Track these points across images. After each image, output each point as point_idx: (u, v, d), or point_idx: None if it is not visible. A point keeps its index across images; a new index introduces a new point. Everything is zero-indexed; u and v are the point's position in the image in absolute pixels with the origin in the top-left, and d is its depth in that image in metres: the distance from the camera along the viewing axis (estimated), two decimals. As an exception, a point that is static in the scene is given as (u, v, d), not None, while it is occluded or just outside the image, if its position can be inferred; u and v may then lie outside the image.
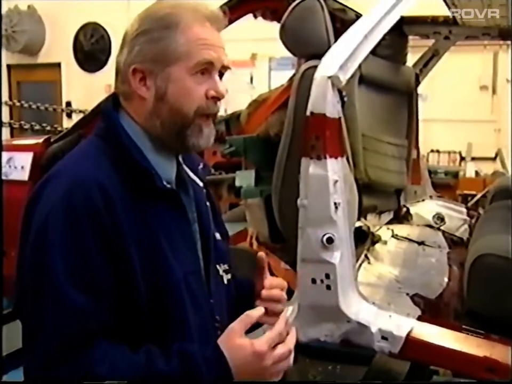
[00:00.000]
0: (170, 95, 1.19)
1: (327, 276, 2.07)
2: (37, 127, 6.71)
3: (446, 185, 6.17)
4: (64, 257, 1.08)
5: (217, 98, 1.22)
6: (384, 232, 2.97)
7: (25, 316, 1.13)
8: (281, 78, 3.58)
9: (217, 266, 1.33)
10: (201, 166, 1.38)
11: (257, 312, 1.15)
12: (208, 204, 1.37)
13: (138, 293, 1.12)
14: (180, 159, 1.31)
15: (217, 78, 1.22)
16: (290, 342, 1.16)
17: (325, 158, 2.06)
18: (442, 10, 2.94)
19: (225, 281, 1.34)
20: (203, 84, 1.20)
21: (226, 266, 1.36)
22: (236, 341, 1.11)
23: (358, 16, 2.72)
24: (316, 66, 2.13)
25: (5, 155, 2.72)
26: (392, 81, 3.03)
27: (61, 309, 1.07)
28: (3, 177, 2.30)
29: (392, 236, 2.99)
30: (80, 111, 8.11)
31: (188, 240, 1.26)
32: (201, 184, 1.37)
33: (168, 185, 1.22)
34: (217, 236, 1.36)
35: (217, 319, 1.26)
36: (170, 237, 1.19)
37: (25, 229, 1.15)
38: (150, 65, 1.19)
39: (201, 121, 1.21)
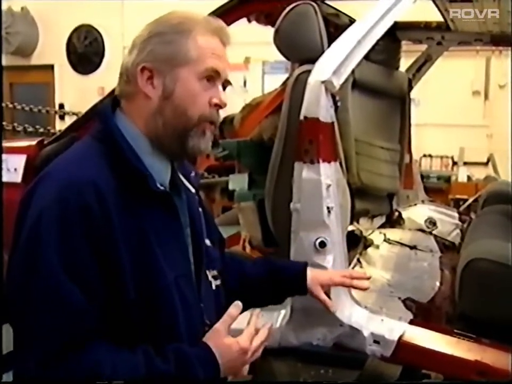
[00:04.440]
0: (177, 95, 1.22)
1: (320, 280, 2.07)
2: (30, 129, 6.68)
3: (438, 190, 6.21)
4: (58, 255, 1.08)
5: (219, 106, 1.26)
6: (376, 236, 2.98)
7: (18, 316, 1.12)
8: (275, 81, 3.60)
9: (207, 271, 1.35)
10: (193, 173, 1.42)
11: (236, 310, 1.22)
12: (200, 210, 1.39)
13: (128, 294, 1.14)
14: (175, 165, 1.33)
15: (220, 88, 1.27)
16: (262, 335, 1.24)
17: (318, 162, 2.07)
18: (435, 16, 2.96)
19: (214, 287, 1.37)
20: (208, 91, 1.24)
21: (215, 272, 1.38)
22: (223, 341, 1.19)
23: (352, 21, 2.73)
24: (309, 71, 2.13)
25: (-2, 157, 2.71)
26: (385, 86, 3.04)
27: (60, 304, 1.08)
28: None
29: (385, 240, 2.99)
30: (73, 113, 8.08)
31: (180, 244, 1.27)
32: (193, 190, 1.39)
33: (162, 188, 1.23)
34: (207, 242, 1.38)
35: (207, 322, 1.28)
36: (162, 239, 1.20)
37: (18, 229, 1.15)
38: (159, 65, 1.22)
39: (206, 125, 1.25)
